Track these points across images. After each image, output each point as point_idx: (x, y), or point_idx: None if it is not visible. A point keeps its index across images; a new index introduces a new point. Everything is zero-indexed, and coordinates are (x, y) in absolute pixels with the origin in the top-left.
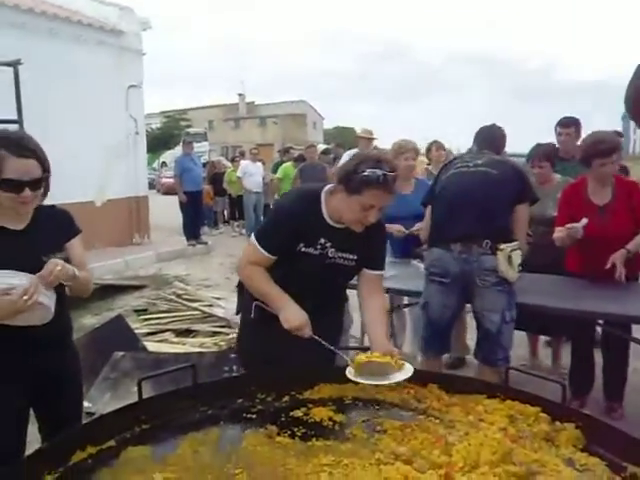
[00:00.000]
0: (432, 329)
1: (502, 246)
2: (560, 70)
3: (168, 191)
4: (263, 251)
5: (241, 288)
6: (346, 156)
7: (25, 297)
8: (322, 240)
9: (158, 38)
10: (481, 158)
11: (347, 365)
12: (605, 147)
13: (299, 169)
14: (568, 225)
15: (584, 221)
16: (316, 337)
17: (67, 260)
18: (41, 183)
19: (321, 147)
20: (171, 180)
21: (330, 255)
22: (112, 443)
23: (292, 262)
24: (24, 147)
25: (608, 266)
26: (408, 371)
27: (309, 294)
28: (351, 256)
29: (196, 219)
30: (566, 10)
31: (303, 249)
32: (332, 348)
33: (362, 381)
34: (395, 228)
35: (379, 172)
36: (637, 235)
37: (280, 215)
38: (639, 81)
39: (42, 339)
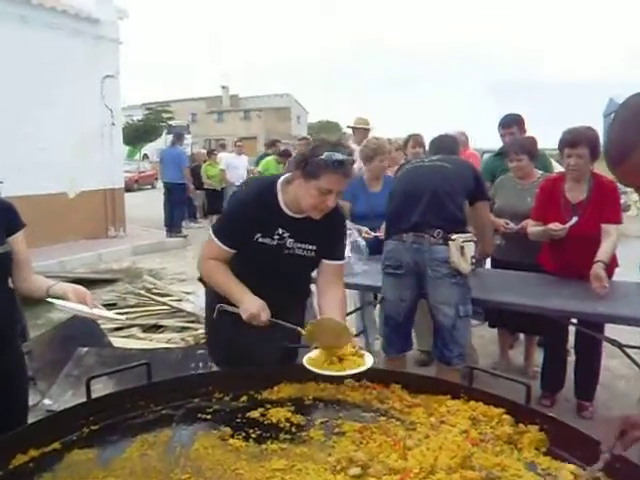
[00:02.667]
0: (391, 325)
1: (454, 236)
2: (541, 67)
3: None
4: (221, 245)
5: (204, 282)
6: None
7: None
8: (280, 230)
9: (138, 27)
10: (437, 156)
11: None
12: (570, 137)
13: (290, 162)
14: (552, 225)
15: (574, 219)
16: (274, 320)
17: (10, 254)
18: None
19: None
20: (129, 175)
21: (288, 246)
22: (57, 446)
23: (249, 253)
24: None
25: (597, 288)
26: (368, 361)
27: (269, 288)
28: (310, 247)
29: (177, 211)
30: (552, 7)
31: (260, 239)
32: (289, 325)
33: (320, 372)
34: (363, 230)
35: (336, 156)
36: (603, 240)
37: (235, 207)
38: (613, 134)
39: None
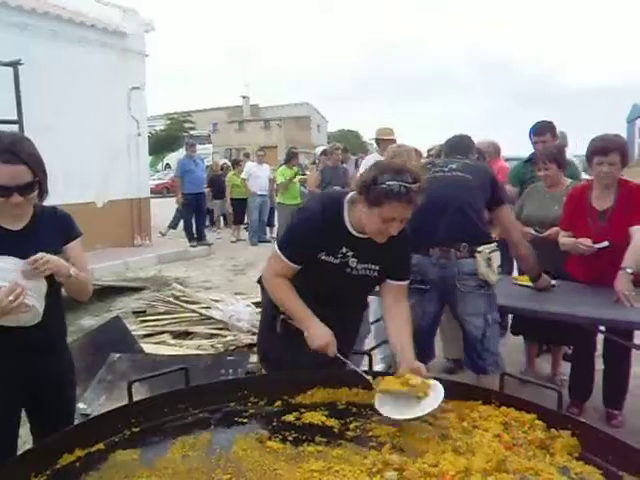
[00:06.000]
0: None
1: (480, 248)
2: (563, 74)
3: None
4: (287, 261)
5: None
6: (366, 162)
7: (11, 298)
8: (344, 249)
9: (162, 39)
10: (454, 162)
11: (371, 387)
12: (601, 145)
13: (320, 171)
14: (583, 241)
15: (605, 243)
16: (340, 356)
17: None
18: (32, 187)
19: (320, 149)
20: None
21: (351, 265)
22: (101, 446)
23: (312, 270)
24: (12, 152)
25: (619, 298)
26: (438, 395)
27: (329, 301)
28: (374, 266)
29: (197, 220)
30: (569, 14)
31: (323, 257)
32: (355, 368)
33: (391, 416)
34: None
35: (399, 184)
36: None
37: (302, 224)
38: None
39: (36, 342)
